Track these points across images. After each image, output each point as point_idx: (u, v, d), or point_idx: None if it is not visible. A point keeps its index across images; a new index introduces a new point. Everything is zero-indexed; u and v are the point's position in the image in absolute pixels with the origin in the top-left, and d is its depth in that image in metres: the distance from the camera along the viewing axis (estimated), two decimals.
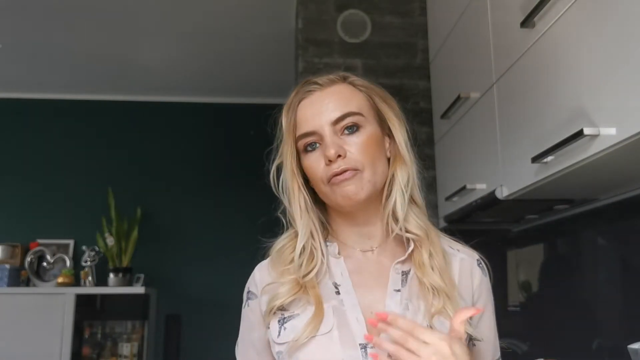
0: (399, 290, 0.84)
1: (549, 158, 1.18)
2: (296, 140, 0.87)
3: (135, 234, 3.48)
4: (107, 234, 3.44)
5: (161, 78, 3.65)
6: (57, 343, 3.17)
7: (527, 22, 1.24)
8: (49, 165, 3.73)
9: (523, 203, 1.49)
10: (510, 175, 1.40)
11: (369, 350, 0.78)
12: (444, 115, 1.86)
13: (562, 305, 1.68)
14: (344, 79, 0.90)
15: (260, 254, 0.96)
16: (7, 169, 3.71)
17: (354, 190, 0.83)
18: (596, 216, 1.53)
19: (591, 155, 1.04)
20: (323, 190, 0.86)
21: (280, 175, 0.91)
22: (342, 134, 0.85)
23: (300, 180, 0.89)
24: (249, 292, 0.93)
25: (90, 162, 3.76)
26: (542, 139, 1.22)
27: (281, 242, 0.93)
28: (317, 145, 0.86)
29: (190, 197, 3.73)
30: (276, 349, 0.84)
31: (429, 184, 1.90)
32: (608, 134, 0.99)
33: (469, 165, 1.70)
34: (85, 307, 3.33)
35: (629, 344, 1.06)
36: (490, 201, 1.49)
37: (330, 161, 0.83)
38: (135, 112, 3.88)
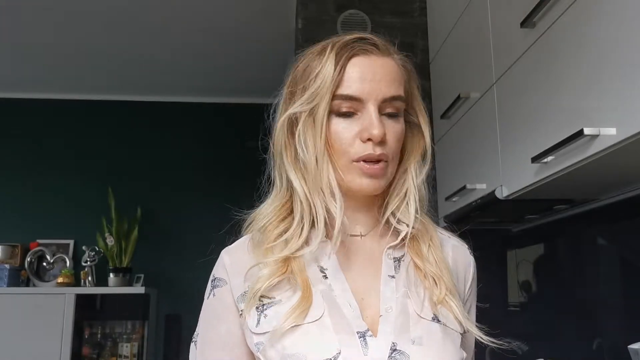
0: (393, 277, 0.77)
1: (549, 158, 1.18)
2: (333, 97, 0.75)
3: (135, 234, 3.48)
4: (107, 234, 3.44)
5: (161, 78, 3.65)
6: (57, 343, 3.17)
7: (527, 22, 1.24)
8: (49, 165, 3.73)
9: (523, 203, 1.49)
10: (510, 175, 1.40)
11: (368, 339, 0.71)
12: (444, 115, 1.86)
13: (562, 305, 1.68)
14: (392, 54, 0.80)
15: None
16: (7, 169, 3.71)
17: (376, 186, 0.76)
18: (596, 216, 1.53)
19: (591, 155, 1.04)
20: (343, 165, 0.76)
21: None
22: (382, 115, 0.76)
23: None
24: (214, 279, 0.82)
25: (90, 162, 3.76)
26: (542, 139, 1.22)
27: (264, 217, 0.81)
28: (353, 113, 0.76)
29: (191, 197, 3.73)
30: (255, 340, 0.74)
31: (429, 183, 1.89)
32: (608, 134, 0.99)
33: (469, 165, 1.70)
34: (85, 307, 3.33)
35: (629, 344, 1.06)
36: (490, 201, 1.49)
37: (369, 140, 0.74)
38: (136, 112, 3.88)
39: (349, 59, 0.76)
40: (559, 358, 1.49)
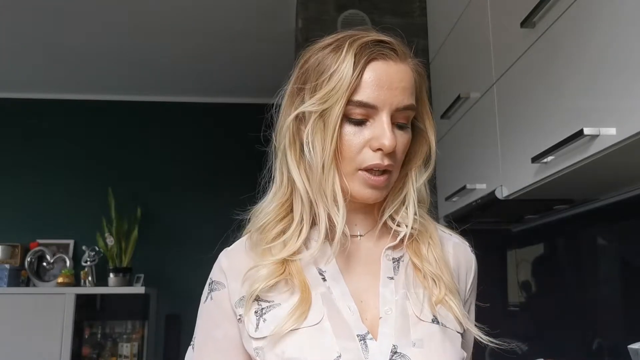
0: (392, 278, 0.77)
1: (549, 158, 1.18)
2: (348, 101, 0.72)
3: (135, 234, 3.48)
4: (107, 234, 3.44)
5: (161, 78, 3.65)
6: (57, 343, 3.17)
7: (527, 22, 1.24)
8: (49, 165, 3.73)
9: (523, 203, 1.49)
10: (510, 175, 1.40)
11: (368, 342, 0.71)
12: (444, 115, 1.86)
13: (562, 305, 1.68)
14: (407, 59, 0.77)
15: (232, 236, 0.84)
16: (7, 169, 3.71)
17: (378, 196, 0.75)
18: (596, 216, 1.53)
19: (591, 155, 1.04)
20: (347, 171, 0.74)
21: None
22: (393, 124, 0.73)
23: None
24: (212, 282, 0.81)
25: (90, 162, 3.76)
26: (542, 139, 1.22)
27: (263, 216, 0.79)
28: (365, 120, 0.73)
29: (190, 197, 3.73)
30: (254, 344, 0.73)
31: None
32: (608, 134, 0.99)
33: (469, 165, 1.70)
34: (85, 307, 3.33)
35: (629, 344, 1.06)
36: (490, 201, 1.49)
37: (379, 149, 0.72)
38: (135, 112, 3.88)
39: (368, 62, 0.73)
40: (559, 358, 1.49)
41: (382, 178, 0.74)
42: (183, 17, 2.91)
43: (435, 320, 0.74)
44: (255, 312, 0.74)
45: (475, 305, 0.88)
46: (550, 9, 1.18)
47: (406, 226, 0.78)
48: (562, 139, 1.09)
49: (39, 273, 3.55)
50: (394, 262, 0.79)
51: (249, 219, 0.82)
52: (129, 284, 3.42)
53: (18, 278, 3.42)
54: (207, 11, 2.86)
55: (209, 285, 0.81)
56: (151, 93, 3.86)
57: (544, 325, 1.77)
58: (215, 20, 2.95)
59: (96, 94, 3.84)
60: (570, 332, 1.62)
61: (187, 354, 0.82)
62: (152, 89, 3.80)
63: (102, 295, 3.45)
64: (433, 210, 0.86)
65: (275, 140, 0.80)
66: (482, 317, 0.87)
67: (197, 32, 3.06)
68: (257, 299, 0.74)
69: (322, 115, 0.73)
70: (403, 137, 0.76)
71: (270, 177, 0.82)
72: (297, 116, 0.76)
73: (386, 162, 0.73)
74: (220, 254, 0.83)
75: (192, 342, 0.82)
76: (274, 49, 3.15)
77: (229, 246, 0.84)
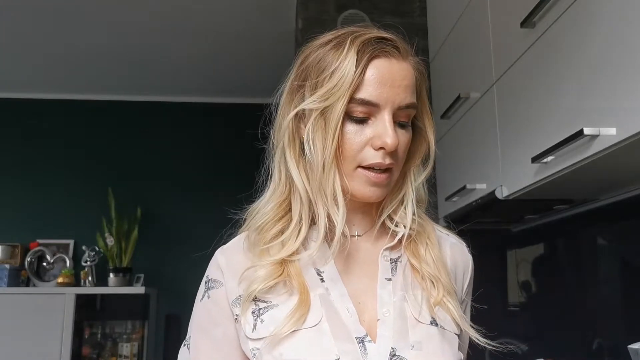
0: (390, 279, 0.76)
1: (549, 158, 1.18)
2: (350, 98, 0.71)
3: (135, 234, 3.49)
4: (107, 234, 3.44)
5: (161, 78, 3.65)
6: (57, 343, 3.17)
7: (527, 22, 1.24)
8: (49, 165, 3.73)
9: (523, 203, 1.49)
10: (510, 175, 1.40)
11: (367, 344, 0.70)
12: (444, 115, 1.86)
13: (562, 305, 1.68)
14: (409, 57, 0.76)
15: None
16: (7, 169, 3.71)
17: (379, 194, 0.74)
18: (596, 216, 1.53)
19: (591, 155, 1.04)
20: (348, 170, 0.73)
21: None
22: (394, 123, 0.73)
23: None
24: (209, 280, 0.79)
25: (90, 162, 3.77)
26: (542, 139, 1.21)
27: (262, 216, 0.78)
28: (367, 118, 0.72)
29: (191, 197, 3.74)
30: (250, 345, 0.72)
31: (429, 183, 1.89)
32: (608, 134, 0.99)
33: (469, 165, 1.70)
34: (85, 307, 3.33)
35: (629, 344, 1.05)
36: (490, 201, 1.49)
37: (381, 148, 0.71)
38: (136, 112, 3.88)
39: (370, 60, 0.72)
40: (559, 358, 1.48)
41: (384, 176, 0.73)
42: (183, 17, 2.91)
43: (433, 322, 0.74)
44: (253, 312, 0.73)
45: (473, 306, 0.88)
46: (550, 9, 1.18)
47: (404, 226, 0.78)
48: (562, 139, 1.09)
49: (39, 273, 3.56)
50: (391, 263, 0.78)
51: (245, 218, 0.81)
52: (129, 284, 3.43)
53: (18, 278, 3.42)
54: (207, 11, 2.86)
55: (206, 283, 0.80)
56: (151, 93, 3.86)
57: (544, 325, 1.77)
58: (215, 20, 2.95)
59: (96, 94, 3.85)
60: (570, 332, 1.62)
61: (181, 354, 0.81)
62: (152, 89, 3.80)
63: (102, 295, 3.46)
64: (432, 211, 0.86)
65: (274, 138, 0.79)
66: (481, 318, 0.87)
67: (197, 32, 3.06)
68: (255, 299, 0.73)
69: (324, 113, 0.72)
70: (404, 136, 0.75)
71: (268, 175, 0.81)
72: (297, 114, 0.75)
73: (388, 161, 0.72)
74: (217, 251, 0.82)
75: (185, 342, 0.81)
76: (274, 49, 3.15)
77: (224, 244, 0.83)
